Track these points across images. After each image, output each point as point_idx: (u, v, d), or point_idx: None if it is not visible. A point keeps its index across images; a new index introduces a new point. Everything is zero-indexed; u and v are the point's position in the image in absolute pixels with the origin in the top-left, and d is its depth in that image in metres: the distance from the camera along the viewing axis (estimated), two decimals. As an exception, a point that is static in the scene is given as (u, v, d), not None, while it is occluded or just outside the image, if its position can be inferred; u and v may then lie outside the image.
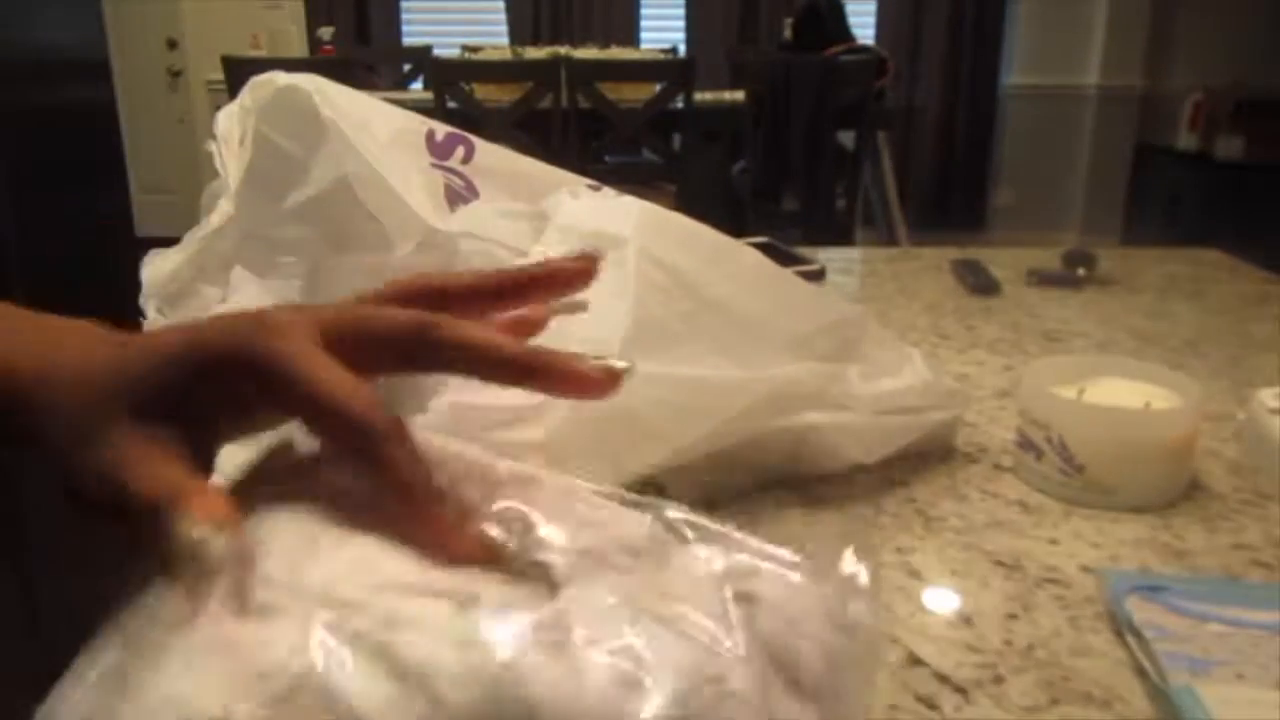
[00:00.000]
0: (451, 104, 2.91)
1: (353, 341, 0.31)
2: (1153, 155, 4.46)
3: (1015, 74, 4.68)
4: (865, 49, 3.41)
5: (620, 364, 0.31)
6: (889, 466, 0.58)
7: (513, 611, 0.26)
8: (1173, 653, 0.41)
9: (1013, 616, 0.46)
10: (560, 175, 0.58)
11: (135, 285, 0.56)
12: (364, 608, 0.25)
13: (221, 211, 0.57)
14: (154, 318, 0.56)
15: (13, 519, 1.43)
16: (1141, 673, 0.42)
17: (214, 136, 0.58)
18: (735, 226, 0.91)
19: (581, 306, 0.37)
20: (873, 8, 4.66)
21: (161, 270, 0.57)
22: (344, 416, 0.29)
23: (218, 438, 0.33)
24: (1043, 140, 4.69)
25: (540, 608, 0.27)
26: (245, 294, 0.54)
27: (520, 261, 0.35)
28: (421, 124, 0.57)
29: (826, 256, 1.15)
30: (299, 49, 3.98)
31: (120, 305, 0.50)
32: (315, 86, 0.54)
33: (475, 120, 2.81)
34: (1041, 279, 1.06)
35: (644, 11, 4.64)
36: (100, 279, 1.63)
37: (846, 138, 3.16)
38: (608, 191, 0.56)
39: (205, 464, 0.32)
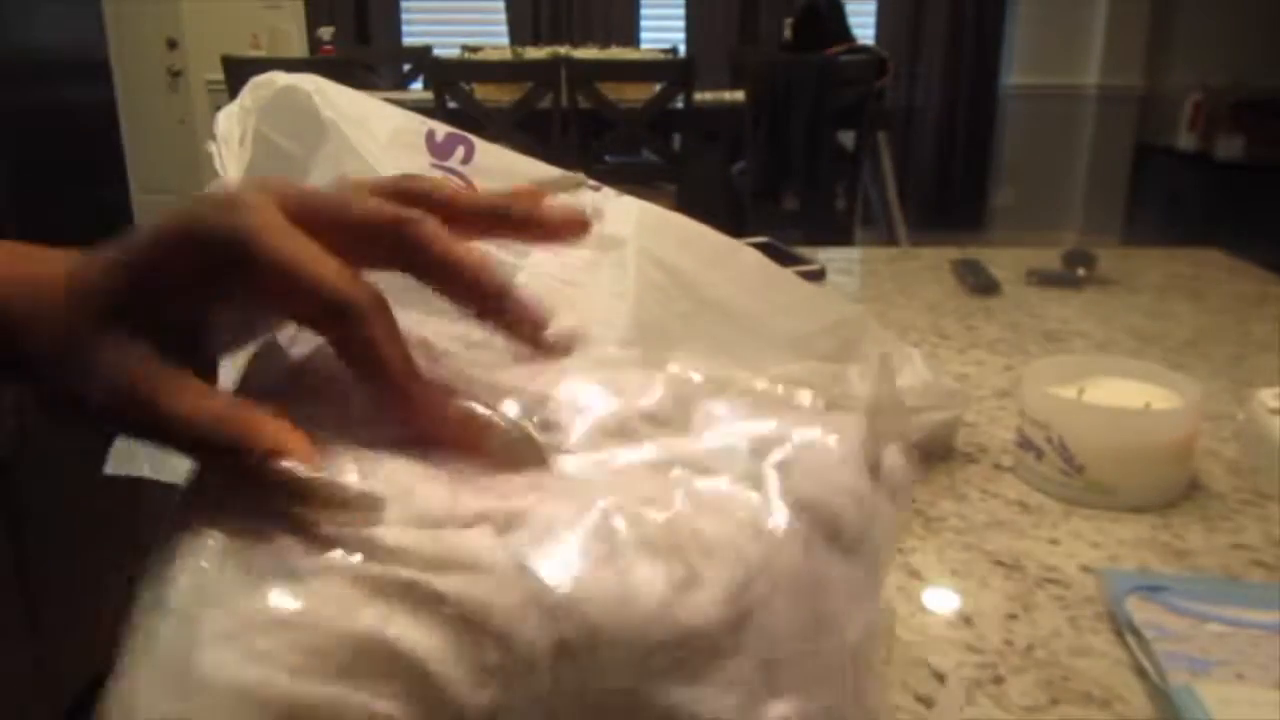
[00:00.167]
0: (451, 104, 2.91)
1: (325, 224, 0.29)
2: (1153, 155, 4.46)
3: (1015, 74, 4.68)
4: (865, 49, 3.41)
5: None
6: (889, 466, 0.58)
7: (556, 527, 0.26)
8: (1172, 652, 0.41)
9: (1013, 616, 0.46)
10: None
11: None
12: (409, 554, 0.25)
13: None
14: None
15: (13, 519, 1.43)
16: (1141, 673, 0.42)
17: (214, 136, 0.58)
18: (735, 226, 0.91)
19: (575, 342, 0.34)
20: (873, 8, 4.66)
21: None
22: (318, 291, 0.27)
23: (215, 341, 0.31)
24: (1043, 140, 4.69)
25: (577, 510, 0.26)
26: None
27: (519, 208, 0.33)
28: (421, 124, 0.57)
29: (826, 256, 1.15)
30: (299, 49, 3.98)
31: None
32: (315, 86, 0.54)
33: (475, 120, 2.82)
34: (1041, 279, 1.06)
35: (644, 11, 4.64)
36: (100, 279, 1.61)
37: (846, 138, 3.16)
38: (608, 191, 0.56)
39: (209, 371, 0.30)
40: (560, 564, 0.25)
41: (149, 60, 4.26)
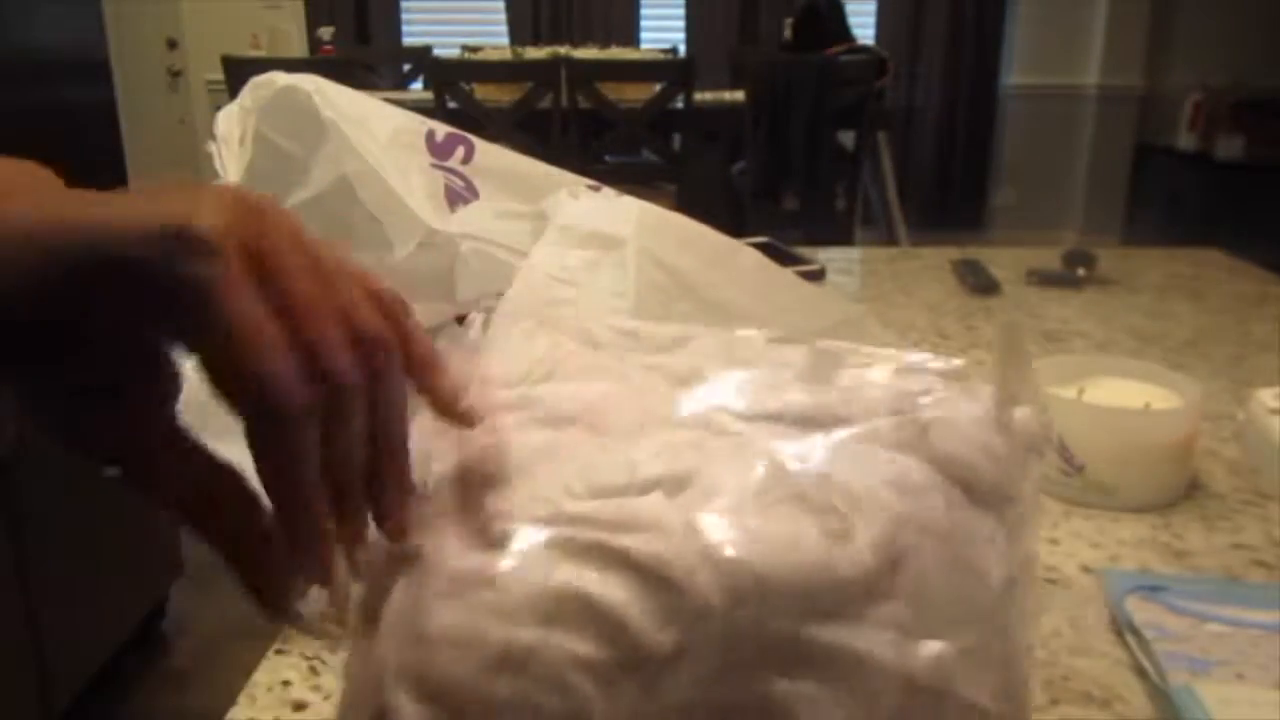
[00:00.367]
0: (451, 104, 2.90)
1: (284, 286, 0.25)
2: (1153, 155, 4.46)
3: (1015, 74, 4.68)
4: (865, 49, 3.41)
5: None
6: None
7: (720, 488, 0.29)
8: (1173, 652, 0.41)
9: (1013, 616, 0.46)
10: (560, 176, 0.58)
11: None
12: (596, 520, 0.28)
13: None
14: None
15: (13, 519, 1.43)
16: (1141, 673, 0.42)
17: (214, 137, 0.58)
18: (735, 226, 0.91)
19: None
20: (873, 8, 4.66)
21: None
22: (262, 385, 0.24)
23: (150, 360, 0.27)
24: (1043, 140, 4.69)
25: (737, 470, 0.29)
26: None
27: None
28: (421, 124, 0.57)
29: (826, 256, 1.15)
30: (299, 49, 3.97)
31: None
32: (315, 86, 0.54)
33: (475, 120, 2.81)
34: (1041, 279, 1.06)
35: (644, 11, 4.64)
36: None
37: (846, 138, 3.16)
38: (608, 192, 0.56)
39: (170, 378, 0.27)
40: (726, 522, 0.28)
41: (149, 60, 4.26)
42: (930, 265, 1.14)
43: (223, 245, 0.24)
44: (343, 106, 0.54)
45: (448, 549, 0.28)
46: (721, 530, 0.28)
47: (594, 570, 0.27)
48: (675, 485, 0.29)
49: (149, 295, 0.23)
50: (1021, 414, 0.32)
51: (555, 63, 2.98)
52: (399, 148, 0.54)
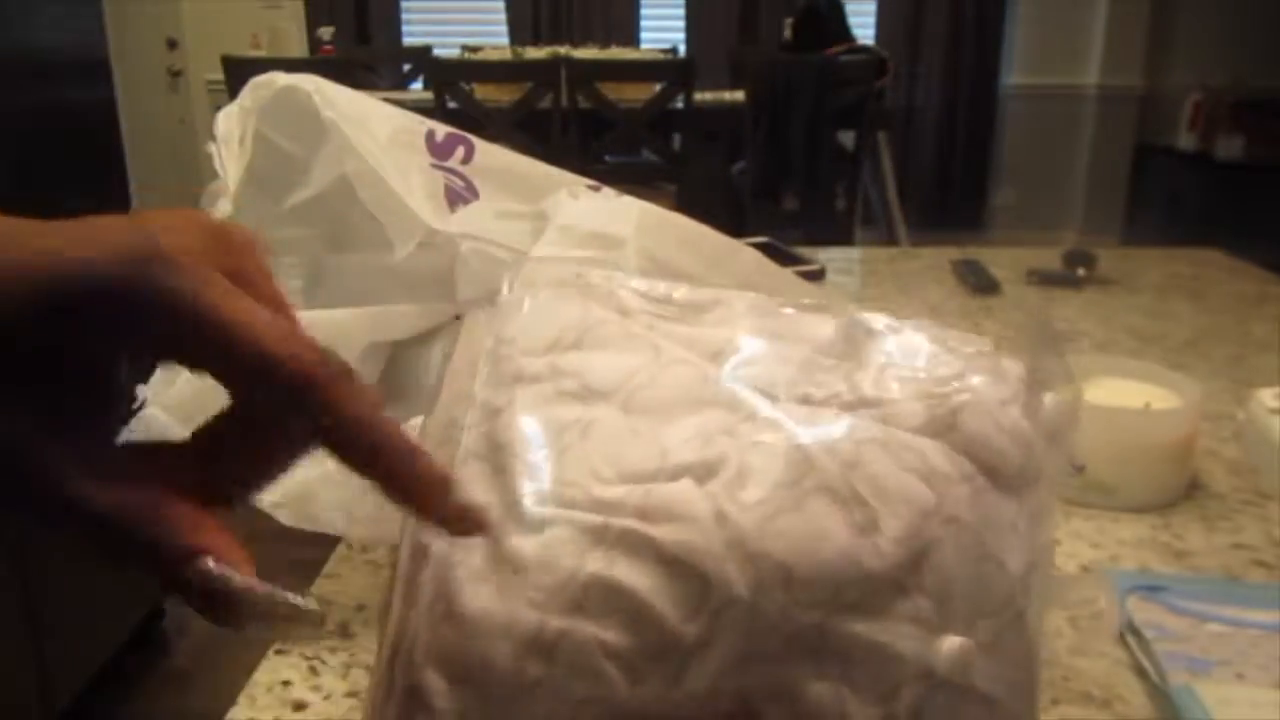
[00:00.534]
0: (451, 104, 2.90)
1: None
2: (1153, 155, 4.46)
3: (1015, 74, 4.68)
4: (865, 49, 3.41)
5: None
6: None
7: (748, 477, 0.29)
8: (1172, 652, 0.41)
9: (1013, 616, 0.46)
10: (560, 175, 0.58)
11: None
12: (626, 507, 0.28)
13: (221, 212, 0.57)
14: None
15: (13, 519, 1.42)
16: (1141, 673, 0.42)
17: (214, 137, 0.58)
18: (735, 226, 0.90)
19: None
20: (873, 8, 4.66)
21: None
22: (279, 370, 0.23)
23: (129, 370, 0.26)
24: (1043, 140, 4.69)
25: (765, 458, 0.29)
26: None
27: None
28: (421, 124, 0.57)
29: (826, 256, 1.15)
30: (299, 49, 3.97)
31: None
32: (315, 86, 0.54)
33: (475, 120, 2.81)
34: (1042, 279, 1.06)
35: (644, 11, 4.64)
36: (100, 279, 1.61)
37: (846, 138, 3.16)
38: (608, 192, 0.56)
39: (120, 399, 0.26)
40: (753, 511, 0.28)
41: (149, 60, 4.26)
42: (930, 265, 1.14)
43: (194, 258, 0.23)
44: (343, 106, 0.54)
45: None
46: (750, 520, 0.28)
47: (623, 558, 0.27)
48: (705, 472, 0.29)
49: (133, 315, 0.23)
50: (1051, 399, 0.32)
51: (555, 63, 2.98)
52: (399, 148, 0.54)
